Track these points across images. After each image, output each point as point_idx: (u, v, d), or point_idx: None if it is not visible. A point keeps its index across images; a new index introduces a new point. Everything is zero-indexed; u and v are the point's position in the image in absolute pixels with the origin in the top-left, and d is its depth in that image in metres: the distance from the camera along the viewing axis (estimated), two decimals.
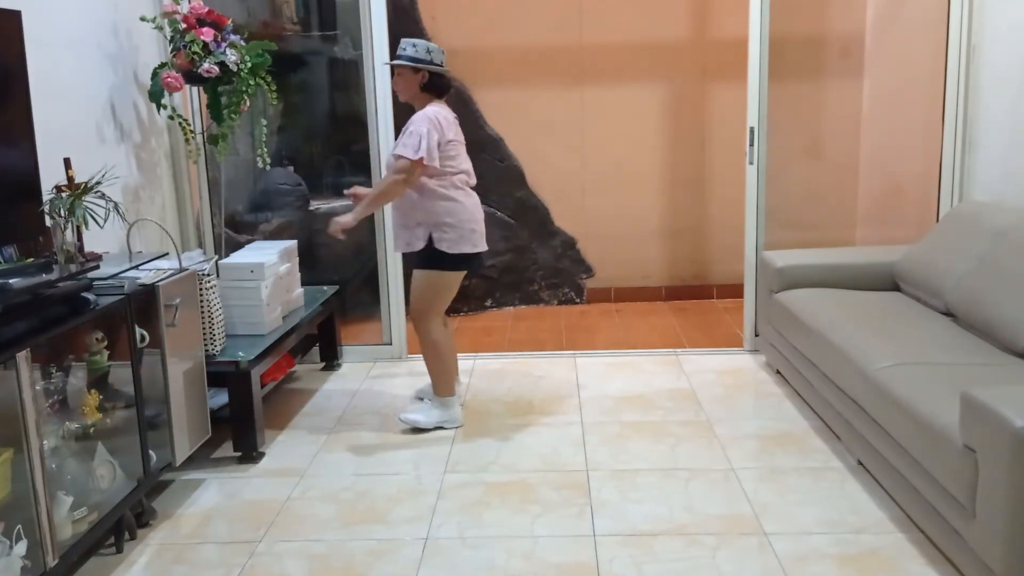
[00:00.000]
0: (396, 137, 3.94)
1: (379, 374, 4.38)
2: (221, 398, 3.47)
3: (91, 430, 2.69)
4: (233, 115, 3.77)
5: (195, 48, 3.61)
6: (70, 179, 2.72)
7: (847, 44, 5.34)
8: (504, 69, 5.55)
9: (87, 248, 2.79)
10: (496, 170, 5.52)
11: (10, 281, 2.33)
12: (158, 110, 3.86)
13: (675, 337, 4.92)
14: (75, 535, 2.48)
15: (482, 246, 3.54)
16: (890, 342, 3.09)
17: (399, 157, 3.35)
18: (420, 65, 3.42)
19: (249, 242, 4.29)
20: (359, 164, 4.59)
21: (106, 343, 2.74)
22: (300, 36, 5.08)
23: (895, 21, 5.03)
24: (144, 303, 2.82)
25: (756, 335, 4.46)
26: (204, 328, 3.30)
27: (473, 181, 3.57)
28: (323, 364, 4.51)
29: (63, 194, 2.65)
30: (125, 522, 2.76)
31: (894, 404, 2.70)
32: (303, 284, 4.15)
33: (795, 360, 3.74)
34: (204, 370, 3.21)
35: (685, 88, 5.60)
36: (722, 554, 2.62)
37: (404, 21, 5.07)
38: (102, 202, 2.72)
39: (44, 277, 2.48)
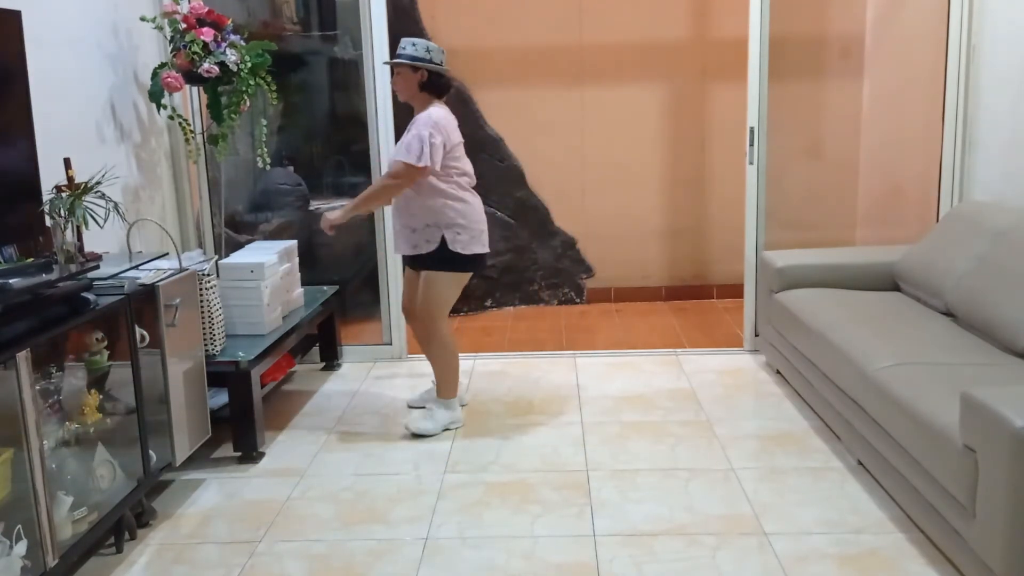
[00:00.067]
0: (396, 138, 3.95)
1: (379, 374, 4.38)
2: (221, 398, 3.47)
3: (91, 430, 2.69)
4: (233, 115, 3.77)
5: (195, 48, 3.61)
6: (70, 179, 2.72)
7: (847, 44, 5.34)
8: (504, 69, 5.56)
9: (87, 248, 2.78)
10: (496, 170, 5.52)
11: (10, 281, 2.33)
12: (158, 110, 3.86)
13: (675, 337, 4.92)
14: (75, 535, 2.48)
15: (487, 246, 3.57)
16: (890, 342, 3.09)
17: (398, 161, 3.36)
18: (419, 64, 3.41)
19: (249, 242, 4.29)
20: (359, 164, 4.59)
21: (106, 343, 2.74)
22: (300, 36, 5.08)
23: (895, 21, 5.03)
24: (144, 303, 2.82)
25: (756, 335, 4.46)
26: (204, 328, 3.30)
27: (474, 182, 3.57)
28: (323, 364, 4.51)
29: (63, 194, 2.65)
30: (125, 522, 2.76)
31: (894, 404, 2.70)
32: (303, 284, 4.15)
33: (795, 360, 3.74)
34: (204, 370, 3.21)
35: (685, 88, 5.60)
36: (722, 554, 2.62)
37: (404, 21, 5.07)
38: (102, 202, 2.72)
39: (44, 277, 2.48)
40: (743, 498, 2.96)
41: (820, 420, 3.54)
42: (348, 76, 4.95)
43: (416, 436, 3.55)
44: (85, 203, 2.67)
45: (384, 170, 3.82)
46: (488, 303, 5.67)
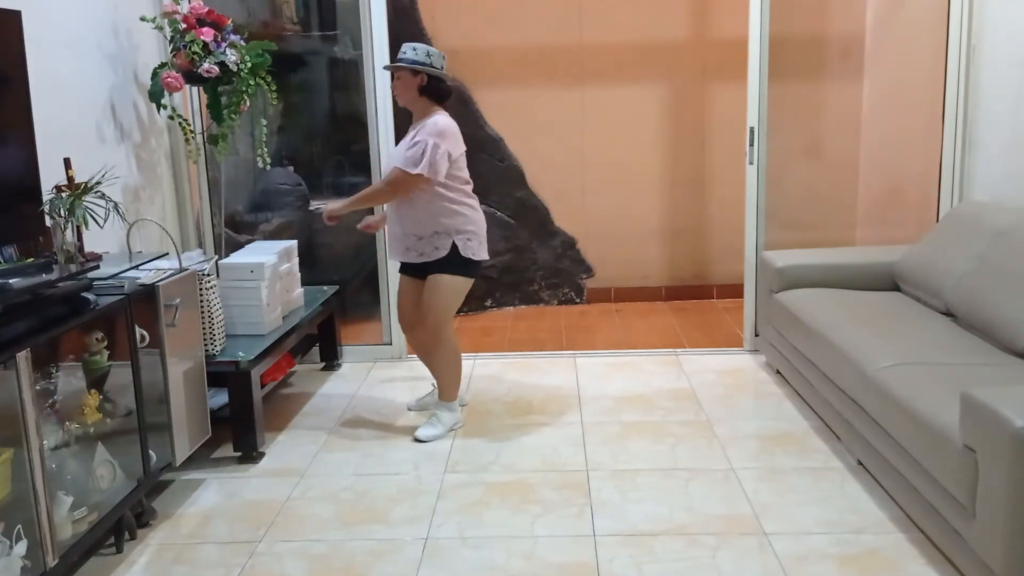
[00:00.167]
0: (397, 138, 3.95)
1: (379, 374, 4.38)
2: (221, 398, 3.47)
3: (91, 430, 2.69)
4: (233, 115, 3.77)
5: (195, 48, 3.61)
6: (70, 179, 2.72)
7: (847, 44, 5.34)
8: (504, 69, 5.56)
9: (87, 248, 2.78)
10: (496, 170, 5.53)
11: (10, 281, 2.33)
12: (158, 110, 3.86)
13: (675, 337, 4.92)
14: (75, 535, 2.48)
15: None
16: (890, 342, 3.09)
17: (397, 168, 3.36)
18: (419, 68, 3.40)
19: (249, 242, 4.29)
20: (359, 164, 4.59)
21: (106, 343, 2.74)
22: (300, 36, 5.08)
23: (895, 21, 5.03)
24: (144, 303, 2.82)
25: (756, 335, 4.46)
26: (204, 328, 3.30)
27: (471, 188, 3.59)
28: (323, 364, 4.51)
29: (63, 194, 2.65)
30: (125, 522, 2.76)
31: (894, 404, 2.70)
32: (303, 284, 4.15)
33: (795, 360, 3.74)
34: (204, 370, 3.21)
35: (685, 88, 5.60)
36: (722, 554, 2.62)
37: (404, 21, 5.07)
38: (102, 202, 2.72)
39: (44, 277, 2.48)
40: (743, 498, 2.96)
41: (820, 420, 3.54)
42: (348, 76, 4.95)
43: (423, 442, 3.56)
44: (85, 203, 2.68)
45: (384, 170, 3.82)
46: (488, 303, 5.67)
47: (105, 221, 2.72)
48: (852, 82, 5.36)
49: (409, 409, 3.88)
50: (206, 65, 3.62)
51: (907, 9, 4.89)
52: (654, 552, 2.64)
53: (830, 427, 3.42)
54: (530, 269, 5.73)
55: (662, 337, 4.92)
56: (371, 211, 4.12)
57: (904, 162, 4.86)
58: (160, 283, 2.88)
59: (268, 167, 4.09)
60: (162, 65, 3.74)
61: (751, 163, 4.36)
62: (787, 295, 3.92)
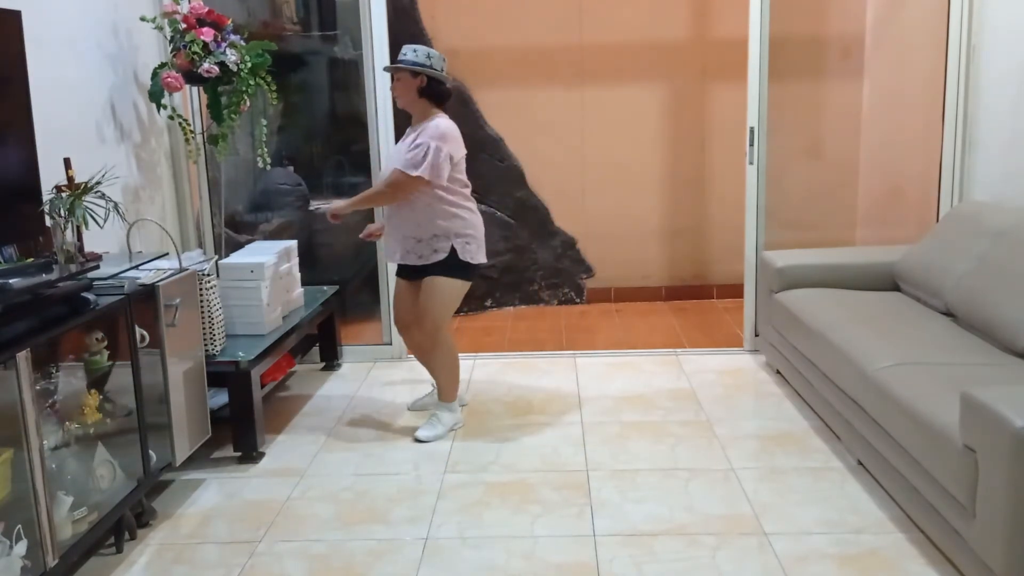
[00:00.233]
0: (396, 138, 3.95)
1: (379, 374, 4.38)
2: (221, 398, 3.47)
3: (91, 430, 2.69)
4: (233, 115, 3.77)
5: (195, 48, 3.61)
6: (70, 179, 2.72)
7: (847, 44, 5.34)
8: (504, 69, 5.56)
9: (87, 248, 2.78)
10: (496, 170, 5.53)
11: (10, 281, 2.33)
12: (158, 110, 3.86)
13: (675, 337, 4.92)
14: (75, 535, 2.48)
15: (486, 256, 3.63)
16: (890, 342, 3.09)
17: (397, 170, 3.36)
18: (419, 69, 3.40)
19: (249, 242, 4.29)
20: (359, 164, 4.59)
21: (106, 343, 2.74)
22: (300, 36, 5.08)
23: (895, 21, 5.03)
24: (144, 303, 2.82)
25: (756, 335, 4.46)
26: (204, 328, 3.30)
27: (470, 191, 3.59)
28: (323, 364, 4.51)
29: (63, 194, 2.65)
30: (125, 522, 2.76)
31: (894, 404, 2.70)
32: (303, 284, 4.15)
33: (795, 360, 3.74)
34: (204, 370, 3.21)
35: (685, 88, 5.60)
36: (722, 554, 2.62)
37: (404, 21, 5.07)
38: (102, 202, 2.72)
39: (44, 277, 2.48)
40: (743, 498, 2.96)
41: (820, 420, 3.54)
42: (348, 76, 4.95)
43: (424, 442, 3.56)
44: (85, 203, 2.68)
45: (383, 171, 3.83)
46: (488, 303, 5.67)
47: (105, 221, 2.72)
48: (852, 82, 5.36)
49: (409, 409, 3.88)
50: (206, 65, 3.62)
51: (907, 9, 4.89)
52: (654, 552, 2.64)
53: (830, 427, 3.42)
54: (530, 269, 5.73)
55: (662, 337, 4.92)
56: (372, 219, 4.12)
57: (904, 162, 4.86)
58: (160, 283, 2.88)
59: (268, 167, 4.09)
60: (162, 65, 3.74)
61: (751, 163, 4.36)
62: (787, 295, 3.92)
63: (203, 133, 4.18)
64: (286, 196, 5.00)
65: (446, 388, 3.63)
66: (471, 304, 5.56)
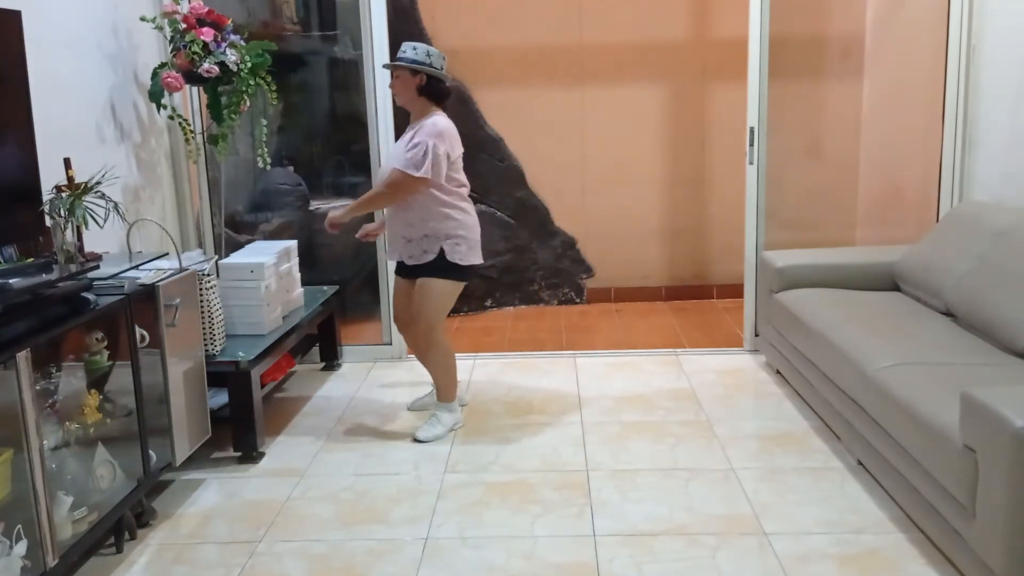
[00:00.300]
0: (396, 138, 3.95)
1: (379, 374, 4.38)
2: (221, 398, 3.47)
3: (91, 430, 2.69)
4: (233, 115, 3.77)
5: (195, 48, 3.61)
6: (70, 179, 2.72)
7: (847, 44, 5.34)
8: (504, 69, 5.56)
9: (87, 248, 2.78)
10: (496, 170, 5.53)
11: (10, 281, 2.33)
12: (158, 110, 3.86)
13: (675, 337, 4.92)
14: (75, 535, 2.48)
15: (482, 256, 3.60)
16: (890, 342, 3.09)
17: (396, 170, 3.36)
18: (418, 67, 3.40)
19: (249, 242, 4.29)
20: (359, 164, 4.59)
21: (106, 343, 2.74)
22: (300, 36, 5.08)
23: (895, 21, 5.03)
24: (144, 303, 2.82)
25: (756, 335, 4.46)
26: (204, 328, 3.30)
27: (468, 190, 3.58)
28: (323, 364, 4.51)
29: (63, 194, 2.65)
30: (125, 522, 2.76)
31: (894, 404, 2.70)
32: (303, 284, 4.15)
33: (795, 360, 3.74)
34: (204, 370, 3.21)
35: (685, 88, 5.60)
36: (722, 554, 2.62)
37: (404, 21, 5.07)
38: (102, 202, 2.72)
39: (44, 277, 2.48)
40: (743, 498, 2.96)
41: (820, 420, 3.54)
42: (348, 76, 4.95)
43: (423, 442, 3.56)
44: (85, 203, 2.68)
45: (382, 170, 3.82)
46: (488, 303, 5.67)
47: (105, 221, 2.72)
48: (852, 82, 5.36)
49: (408, 409, 3.88)
50: (206, 65, 3.62)
51: (907, 9, 4.89)
52: (654, 552, 2.64)
53: (830, 427, 3.42)
54: (530, 269, 5.73)
55: (662, 337, 4.92)
56: (370, 218, 4.11)
57: (904, 162, 4.86)
58: (160, 283, 2.88)
59: (268, 167, 4.09)
60: (162, 65, 3.74)
61: (751, 163, 4.36)
62: (787, 295, 3.92)
63: (203, 133, 4.18)
64: (286, 196, 5.00)
65: (444, 388, 3.63)
66: (471, 304, 5.56)
